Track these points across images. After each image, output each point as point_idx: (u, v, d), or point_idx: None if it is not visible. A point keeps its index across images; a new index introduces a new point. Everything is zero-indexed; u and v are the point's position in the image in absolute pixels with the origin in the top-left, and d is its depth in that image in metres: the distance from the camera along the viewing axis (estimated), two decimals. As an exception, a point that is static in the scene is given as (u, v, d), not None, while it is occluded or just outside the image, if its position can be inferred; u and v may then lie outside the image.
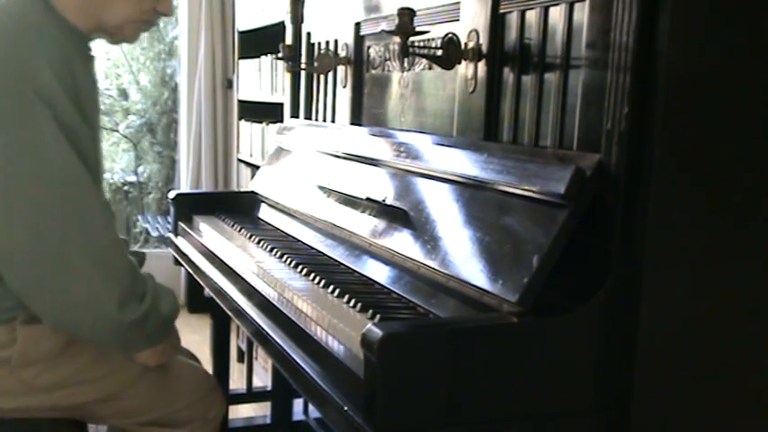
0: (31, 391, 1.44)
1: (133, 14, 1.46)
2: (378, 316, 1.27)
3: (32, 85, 1.29)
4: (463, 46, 1.49)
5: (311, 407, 2.51)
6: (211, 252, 1.91)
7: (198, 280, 1.98)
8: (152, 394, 1.54)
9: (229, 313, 1.73)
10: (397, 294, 1.41)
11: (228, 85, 4.17)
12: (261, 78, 3.49)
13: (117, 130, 4.66)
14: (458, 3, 1.53)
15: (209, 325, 2.37)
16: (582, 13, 1.24)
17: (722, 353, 1.24)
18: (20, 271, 1.34)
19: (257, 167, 2.98)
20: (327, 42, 2.16)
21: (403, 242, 1.44)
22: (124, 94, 4.68)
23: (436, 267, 1.31)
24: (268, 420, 2.53)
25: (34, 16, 1.36)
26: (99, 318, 1.35)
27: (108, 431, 1.72)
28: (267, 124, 3.39)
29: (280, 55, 2.23)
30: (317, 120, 2.29)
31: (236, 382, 2.95)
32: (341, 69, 2.08)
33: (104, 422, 1.64)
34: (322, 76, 2.23)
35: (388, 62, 1.88)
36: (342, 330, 1.23)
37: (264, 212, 2.21)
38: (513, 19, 1.40)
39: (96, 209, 1.36)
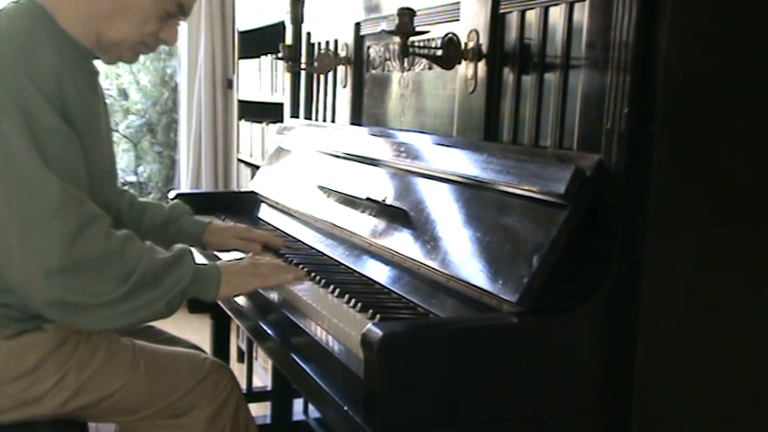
0: (21, 406, 1.43)
1: (134, 35, 1.43)
2: (378, 316, 1.27)
3: (15, 96, 1.27)
4: (463, 46, 1.49)
5: (311, 407, 2.51)
6: (211, 252, 1.91)
7: (198, 280, 1.98)
8: (149, 389, 1.53)
9: (229, 313, 1.73)
10: (397, 294, 1.40)
11: (228, 85, 4.16)
12: (261, 78, 3.49)
13: (117, 130, 4.65)
14: (458, 3, 1.53)
15: (209, 325, 2.37)
16: (582, 13, 1.24)
17: (722, 352, 1.24)
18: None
19: (257, 167, 2.98)
20: (327, 42, 2.16)
21: (403, 242, 1.44)
22: (124, 94, 4.68)
23: (436, 267, 1.31)
24: (268, 420, 2.52)
25: (35, 28, 1.35)
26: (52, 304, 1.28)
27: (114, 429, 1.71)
28: (267, 124, 3.39)
29: (280, 55, 2.23)
30: (316, 120, 2.29)
31: (236, 382, 2.94)
32: (341, 69, 2.08)
33: (105, 421, 1.64)
34: (322, 76, 2.23)
35: (388, 62, 1.88)
36: (342, 330, 1.23)
37: (264, 212, 2.21)
38: (513, 19, 1.40)
39: (45, 207, 1.29)
